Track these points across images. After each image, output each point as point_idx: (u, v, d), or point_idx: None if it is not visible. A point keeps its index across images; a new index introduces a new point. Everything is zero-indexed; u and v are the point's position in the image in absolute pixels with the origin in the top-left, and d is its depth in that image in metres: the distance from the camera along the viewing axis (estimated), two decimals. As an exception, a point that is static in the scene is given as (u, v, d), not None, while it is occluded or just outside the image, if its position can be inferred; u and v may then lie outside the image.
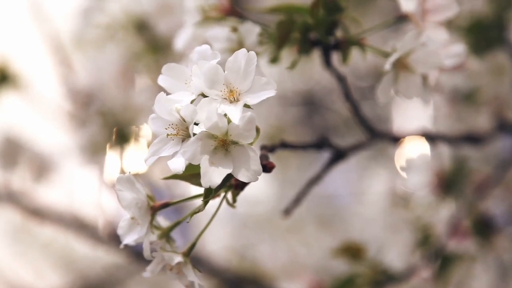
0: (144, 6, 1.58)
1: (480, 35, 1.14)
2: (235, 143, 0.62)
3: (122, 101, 1.59)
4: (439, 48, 0.78)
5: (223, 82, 0.63)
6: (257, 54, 0.78)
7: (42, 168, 1.77)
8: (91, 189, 1.73)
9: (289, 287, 1.20)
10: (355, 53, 0.82)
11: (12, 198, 1.73)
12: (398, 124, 1.89)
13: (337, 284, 1.12)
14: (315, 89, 2.06)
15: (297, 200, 0.90)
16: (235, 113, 0.61)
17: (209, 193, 0.65)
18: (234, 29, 0.79)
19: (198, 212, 0.66)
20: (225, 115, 0.62)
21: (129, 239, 0.66)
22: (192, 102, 0.63)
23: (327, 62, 0.84)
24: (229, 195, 0.70)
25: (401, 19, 0.80)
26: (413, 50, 0.76)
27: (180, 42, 0.81)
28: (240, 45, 0.79)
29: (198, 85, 0.63)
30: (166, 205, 0.68)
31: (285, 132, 2.05)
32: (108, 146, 1.56)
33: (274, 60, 0.81)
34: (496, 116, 1.22)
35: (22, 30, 1.94)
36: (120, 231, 0.67)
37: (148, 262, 0.67)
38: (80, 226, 1.73)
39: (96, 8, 1.59)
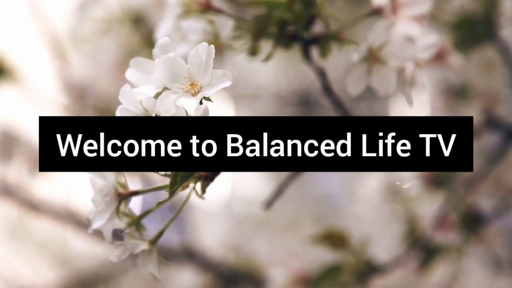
0: (141, 0, 1.58)
1: (468, 31, 1.14)
2: None
3: (117, 95, 1.59)
4: (411, 41, 0.78)
5: (185, 75, 0.63)
6: (231, 46, 0.80)
7: (37, 162, 1.76)
8: (88, 183, 1.73)
9: (274, 274, 1.20)
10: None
11: (8, 192, 1.73)
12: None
13: (321, 272, 1.12)
14: (311, 88, 2.07)
15: (278, 192, 0.90)
16: (191, 105, 0.62)
17: (174, 184, 0.65)
18: (210, 22, 0.80)
19: (164, 203, 0.66)
20: None
21: (96, 225, 0.67)
22: (157, 95, 0.64)
23: (306, 56, 0.84)
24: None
25: (376, 12, 0.80)
26: (385, 43, 0.76)
27: (160, 33, 0.81)
28: (215, 37, 0.80)
29: (159, 78, 0.64)
30: (135, 193, 0.69)
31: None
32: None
33: (253, 52, 0.81)
34: (486, 111, 1.23)
35: (18, 23, 1.94)
36: (90, 216, 0.68)
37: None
38: (77, 221, 1.73)
39: (92, 2, 1.59)
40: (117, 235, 0.68)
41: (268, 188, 2.09)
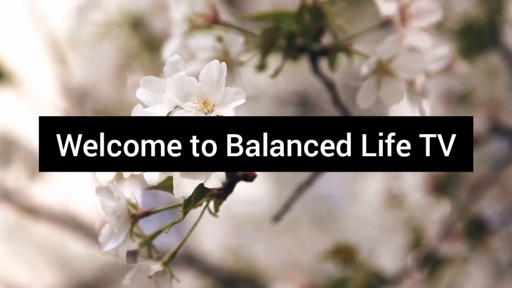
0: (140, 4, 1.58)
1: (472, 38, 1.14)
2: None
3: (117, 99, 1.59)
4: (422, 53, 0.78)
5: (197, 94, 0.63)
6: (242, 63, 0.79)
7: (36, 166, 1.76)
8: (87, 187, 1.73)
9: (281, 288, 1.20)
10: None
11: (6, 196, 1.72)
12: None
13: (329, 286, 1.12)
14: (310, 90, 2.06)
15: (287, 205, 0.90)
16: None
17: (188, 204, 0.65)
18: (219, 39, 0.79)
19: (177, 222, 0.66)
20: None
21: (108, 247, 0.66)
22: (168, 114, 0.63)
23: (315, 69, 0.83)
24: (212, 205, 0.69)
25: (386, 24, 0.79)
26: (396, 55, 0.76)
27: (168, 52, 0.81)
28: (225, 54, 0.79)
29: (170, 97, 0.63)
30: (147, 214, 0.68)
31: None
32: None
33: (261, 67, 0.80)
34: (491, 118, 1.22)
35: (17, 27, 1.94)
36: (101, 239, 0.67)
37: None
38: (76, 225, 1.73)
39: (91, 5, 1.59)
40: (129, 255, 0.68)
41: (266, 190, 2.09)
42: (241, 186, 2.03)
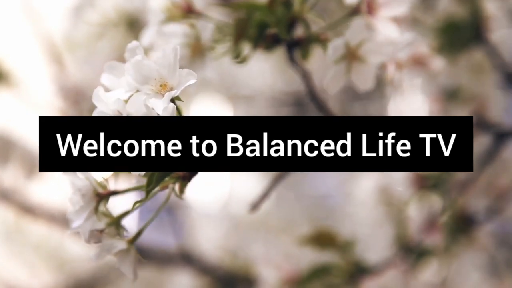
0: (135, 4, 1.58)
1: (455, 35, 1.15)
2: None
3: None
4: (388, 40, 0.79)
5: (155, 77, 0.64)
6: (213, 48, 0.81)
7: (33, 165, 1.77)
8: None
9: (265, 275, 1.20)
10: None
11: (4, 196, 1.73)
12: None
13: (310, 272, 1.12)
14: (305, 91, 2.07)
15: (265, 194, 0.90)
16: (159, 105, 0.63)
17: (150, 183, 0.66)
18: (191, 25, 0.82)
19: (142, 203, 0.67)
20: None
21: (75, 224, 0.67)
22: (129, 97, 0.64)
23: (291, 59, 0.84)
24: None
25: (356, 13, 0.80)
26: (364, 41, 0.77)
27: (145, 40, 0.83)
28: (197, 40, 0.82)
29: (129, 81, 0.65)
30: (113, 193, 0.69)
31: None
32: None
33: (236, 56, 0.82)
34: (476, 113, 1.23)
35: (14, 27, 1.95)
36: (69, 216, 0.68)
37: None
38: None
39: (87, 5, 1.60)
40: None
41: (263, 190, 2.10)
42: (240, 186, 2.03)
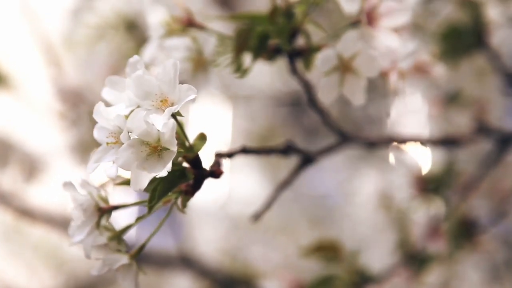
0: (134, 6, 1.58)
1: (457, 40, 1.15)
2: (166, 149, 0.63)
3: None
4: (389, 52, 0.79)
5: (155, 92, 0.64)
6: (215, 62, 0.81)
7: (32, 168, 1.77)
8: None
9: (269, 286, 1.20)
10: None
11: (3, 199, 1.73)
12: (393, 126, 1.90)
13: (315, 283, 1.12)
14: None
15: (268, 204, 0.91)
16: (159, 121, 0.62)
17: (152, 199, 0.66)
18: (193, 39, 0.81)
19: (143, 218, 0.68)
20: None
21: (75, 240, 0.68)
22: (131, 113, 0.64)
23: (293, 69, 0.84)
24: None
25: (356, 24, 0.79)
26: (357, 53, 0.77)
27: (146, 55, 0.82)
28: (199, 53, 0.81)
29: (130, 96, 0.65)
30: (115, 208, 0.70)
31: (274, 132, 2.06)
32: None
33: (237, 68, 0.82)
34: (478, 118, 1.23)
35: (13, 30, 1.94)
36: (70, 231, 0.68)
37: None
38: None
39: (86, 8, 1.60)
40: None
41: (262, 191, 2.10)
42: (239, 188, 2.02)
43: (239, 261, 1.97)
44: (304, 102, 2.13)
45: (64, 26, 1.65)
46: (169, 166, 0.62)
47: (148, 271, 1.75)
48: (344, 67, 0.77)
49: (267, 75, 2.15)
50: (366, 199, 1.58)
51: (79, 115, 1.62)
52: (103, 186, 0.70)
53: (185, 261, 1.70)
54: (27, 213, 1.74)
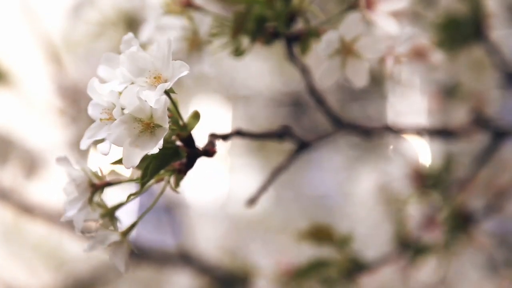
0: (134, 3, 1.58)
1: (456, 31, 1.15)
2: (159, 126, 0.63)
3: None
4: (386, 35, 0.79)
5: (149, 69, 0.64)
6: (210, 42, 0.81)
7: (32, 164, 1.77)
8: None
9: (263, 267, 1.20)
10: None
11: (2, 196, 1.73)
12: (391, 123, 1.90)
13: (307, 265, 1.12)
14: (303, 90, 2.07)
15: (262, 189, 0.90)
16: (151, 97, 0.62)
17: (145, 176, 0.66)
18: (189, 18, 0.81)
19: (136, 195, 0.67)
20: None
21: (68, 214, 0.68)
22: (124, 89, 0.64)
23: (290, 54, 0.84)
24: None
25: (354, 7, 0.80)
26: (359, 36, 0.77)
27: (144, 35, 0.82)
28: (194, 33, 0.81)
29: (124, 73, 0.65)
30: (108, 184, 0.69)
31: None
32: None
33: (234, 50, 0.82)
34: (475, 111, 1.23)
35: (13, 27, 1.95)
36: (65, 206, 0.69)
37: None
38: (72, 224, 1.73)
39: (86, 4, 1.60)
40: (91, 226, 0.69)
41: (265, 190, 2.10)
42: (238, 186, 2.02)
43: (239, 259, 1.97)
44: (303, 102, 2.14)
45: (64, 23, 1.65)
46: (160, 143, 0.62)
47: (147, 268, 1.74)
48: (345, 50, 0.78)
49: (266, 76, 2.15)
50: (365, 196, 1.58)
51: (79, 112, 1.62)
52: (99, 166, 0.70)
53: (185, 259, 1.70)
54: (27, 210, 1.74)
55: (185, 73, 0.63)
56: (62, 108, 1.68)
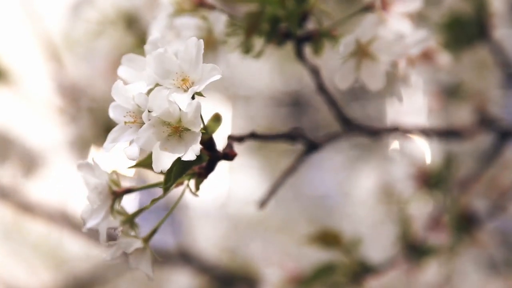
0: (134, 1, 1.58)
1: (460, 31, 1.15)
2: (187, 129, 0.62)
3: (111, 97, 1.59)
4: (401, 37, 0.78)
5: (176, 71, 0.63)
6: (225, 42, 0.80)
7: (32, 164, 1.76)
8: (81, 185, 1.72)
9: (269, 274, 1.20)
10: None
11: (2, 194, 1.72)
12: (392, 123, 1.90)
13: (314, 271, 1.11)
14: (305, 90, 2.07)
15: (272, 191, 0.89)
16: (183, 101, 0.62)
17: (168, 181, 0.65)
18: (204, 18, 0.80)
19: (158, 199, 0.66)
20: None
21: (90, 223, 0.67)
22: (149, 92, 0.63)
23: (300, 54, 0.84)
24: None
25: (368, 9, 0.79)
26: (375, 38, 0.76)
27: (154, 33, 0.81)
28: (209, 33, 0.80)
29: (150, 75, 0.64)
30: (129, 191, 0.69)
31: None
32: (96, 143, 1.57)
33: (247, 50, 0.81)
34: (478, 111, 1.23)
35: (13, 25, 1.94)
36: (83, 215, 0.67)
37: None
38: (72, 223, 1.73)
39: (86, 3, 1.59)
40: (111, 234, 0.68)
41: (262, 190, 2.10)
42: (238, 186, 2.02)
43: (239, 258, 1.97)
44: (303, 102, 2.14)
45: (64, 21, 1.65)
46: (197, 149, 0.61)
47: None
48: (361, 52, 0.77)
49: (266, 76, 2.15)
50: (365, 196, 1.58)
51: (79, 111, 1.62)
52: (114, 171, 0.69)
53: (185, 258, 1.70)
54: (26, 209, 1.74)
55: (217, 77, 0.62)
56: (62, 106, 1.68)
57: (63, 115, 1.66)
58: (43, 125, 1.80)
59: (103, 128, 1.57)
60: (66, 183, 1.94)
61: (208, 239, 2.08)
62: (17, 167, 1.75)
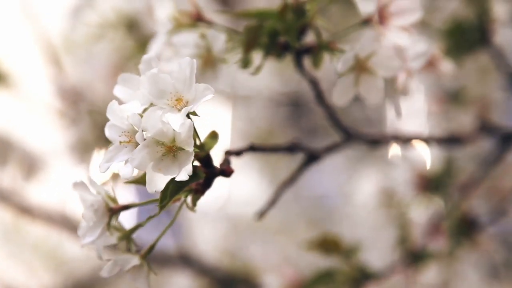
0: (134, 5, 1.58)
1: (461, 38, 1.15)
2: (181, 149, 0.62)
3: (111, 100, 1.59)
4: (399, 51, 0.78)
5: (170, 91, 0.63)
6: (225, 59, 0.80)
7: (32, 166, 1.76)
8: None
9: (269, 281, 1.20)
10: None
11: (2, 197, 1.72)
12: (391, 126, 1.90)
13: (315, 277, 1.11)
14: (303, 91, 2.07)
15: (272, 202, 0.90)
16: (176, 121, 0.61)
17: (164, 198, 0.64)
18: (202, 36, 0.80)
19: (154, 217, 0.66)
20: None
21: (86, 240, 0.66)
22: (145, 111, 0.63)
23: (299, 66, 0.83)
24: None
25: (367, 22, 0.79)
26: (373, 53, 0.76)
27: (152, 51, 0.81)
28: (208, 51, 0.80)
29: (144, 95, 0.63)
30: (126, 208, 0.68)
31: (273, 133, 2.06)
32: (97, 147, 1.57)
33: (245, 64, 0.80)
34: (480, 116, 1.23)
35: (13, 28, 1.94)
36: (80, 232, 0.67)
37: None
38: (72, 226, 1.73)
39: (86, 7, 1.59)
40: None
41: (264, 191, 2.10)
42: (238, 188, 2.02)
43: (239, 260, 1.97)
44: (303, 103, 2.14)
45: (64, 24, 1.64)
46: (189, 169, 0.61)
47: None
48: (360, 67, 0.76)
49: (266, 76, 2.15)
50: (365, 199, 1.58)
51: (79, 114, 1.62)
52: (105, 184, 0.69)
53: (185, 260, 1.70)
54: (26, 211, 1.74)
55: (209, 97, 0.62)
56: (62, 109, 1.68)
57: (63, 118, 1.66)
58: (43, 128, 1.80)
59: (103, 131, 1.57)
60: (66, 185, 1.94)
61: (208, 240, 2.08)
62: (17, 170, 1.75)
